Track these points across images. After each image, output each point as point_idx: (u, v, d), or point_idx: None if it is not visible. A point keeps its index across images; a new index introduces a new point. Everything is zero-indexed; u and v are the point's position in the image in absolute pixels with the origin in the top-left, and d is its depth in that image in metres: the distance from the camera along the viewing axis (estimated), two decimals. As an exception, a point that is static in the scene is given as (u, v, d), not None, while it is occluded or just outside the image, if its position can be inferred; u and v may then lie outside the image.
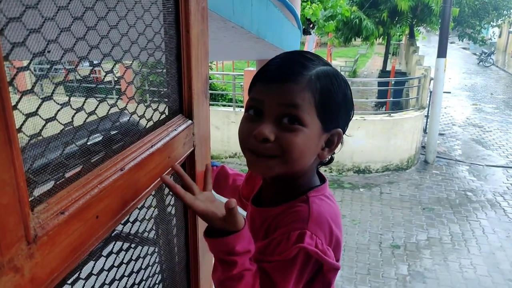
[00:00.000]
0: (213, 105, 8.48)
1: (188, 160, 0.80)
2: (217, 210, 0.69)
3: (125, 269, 0.63)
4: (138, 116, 0.63)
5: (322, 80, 0.76)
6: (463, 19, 17.58)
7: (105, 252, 0.58)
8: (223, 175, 1.18)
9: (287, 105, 0.75)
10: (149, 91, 0.71)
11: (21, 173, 0.35)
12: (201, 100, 0.83)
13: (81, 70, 0.50)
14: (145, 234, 0.70)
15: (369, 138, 7.43)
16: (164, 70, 0.72)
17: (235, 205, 0.67)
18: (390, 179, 7.47)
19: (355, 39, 13.67)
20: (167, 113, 0.74)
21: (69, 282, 0.48)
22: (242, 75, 8.43)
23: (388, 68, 13.58)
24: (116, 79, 0.66)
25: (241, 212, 0.84)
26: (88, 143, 0.51)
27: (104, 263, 0.57)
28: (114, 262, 0.59)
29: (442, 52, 7.74)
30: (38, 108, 0.38)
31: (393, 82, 9.86)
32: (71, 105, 0.44)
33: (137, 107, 0.62)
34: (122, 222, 0.58)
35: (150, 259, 0.73)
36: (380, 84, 11.55)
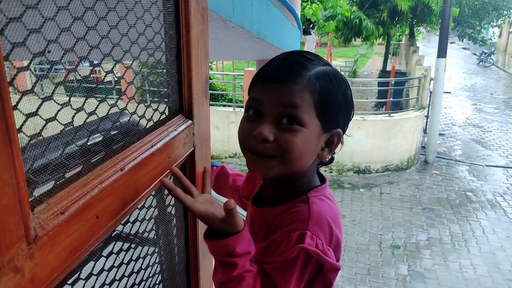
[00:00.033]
0: (213, 105, 8.49)
1: (188, 160, 0.80)
2: (217, 212, 0.69)
3: (125, 269, 0.63)
4: (138, 116, 0.63)
5: (321, 80, 0.76)
6: (463, 19, 17.59)
7: (105, 253, 0.58)
8: (223, 175, 1.18)
9: (286, 106, 0.74)
10: (149, 91, 0.71)
11: (21, 173, 0.34)
12: (201, 100, 0.83)
13: (81, 70, 0.50)
14: (145, 234, 0.70)
15: (369, 138, 7.43)
16: (164, 70, 0.72)
17: (234, 205, 0.67)
18: (390, 179, 7.47)
19: (355, 39, 13.67)
20: (167, 113, 0.74)
21: (69, 282, 0.47)
22: (242, 75, 8.43)
23: (388, 68, 13.58)
24: (116, 79, 0.66)
25: (242, 212, 0.84)
26: (88, 143, 0.51)
27: (104, 263, 0.57)
28: (114, 263, 0.59)
29: (442, 52, 7.74)
30: (38, 108, 0.38)
31: (393, 82, 9.86)
32: (71, 105, 0.44)
33: (137, 107, 0.62)
34: (122, 222, 0.58)
35: (150, 259, 0.73)
36: (380, 84, 11.55)
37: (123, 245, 0.62)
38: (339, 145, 0.84)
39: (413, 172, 7.81)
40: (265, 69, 0.80)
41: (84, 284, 0.52)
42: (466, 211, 6.30)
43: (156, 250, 0.77)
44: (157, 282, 0.77)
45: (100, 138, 0.54)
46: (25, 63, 0.37)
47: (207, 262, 0.94)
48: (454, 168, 8.05)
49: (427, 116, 8.86)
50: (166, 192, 0.78)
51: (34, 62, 0.38)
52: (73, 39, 0.43)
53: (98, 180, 0.49)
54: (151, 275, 0.74)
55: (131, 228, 0.64)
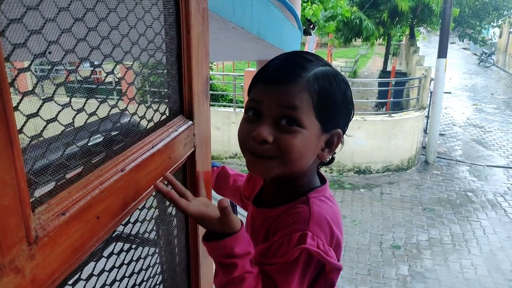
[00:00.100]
0: (213, 105, 8.49)
1: (188, 160, 0.80)
2: (213, 213, 0.69)
3: (126, 270, 0.63)
4: (139, 117, 0.63)
5: (320, 81, 0.76)
6: (464, 19, 17.59)
7: (106, 253, 0.58)
8: (223, 176, 1.18)
9: (285, 107, 0.74)
10: (150, 92, 0.71)
11: (22, 174, 0.35)
12: (202, 100, 0.83)
13: (82, 71, 0.50)
14: (146, 235, 0.70)
15: (370, 138, 7.43)
16: (165, 71, 0.72)
17: (227, 204, 0.67)
18: (390, 179, 7.46)
19: (355, 40, 13.66)
20: (167, 114, 0.74)
21: (70, 283, 0.48)
22: (243, 75, 8.44)
23: (389, 68, 13.58)
24: (117, 80, 0.66)
25: (242, 213, 0.84)
26: (89, 144, 0.51)
27: (105, 264, 0.57)
28: (115, 263, 0.59)
29: (442, 53, 7.74)
30: (39, 109, 0.38)
31: (393, 83, 9.86)
32: (72, 106, 0.44)
33: (137, 108, 0.62)
34: (123, 223, 0.58)
35: (150, 260, 0.73)
36: (380, 84, 11.54)
37: (123, 245, 0.62)
38: (339, 146, 0.84)
39: (414, 172, 7.81)
40: (265, 70, 0.80)
41: (85, 285, 0.52)
42: (467, 211, 6.29)
43: (157, 251, 0.77)
44: (157, 283, 0.78)
45: (101, 139, 0.55)
46: (26, 64, 0.37)
47: (207, 263, 0.94)
48: (454, 168, 8.05)
49: (427, 116, 8.86)
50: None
51: (35, 63, 0.39)
52: (73, 40, 0.43)
53: (99, 181, 0.49)
54: (151, 275, 0.74)
55: (132, 228, 0.64)
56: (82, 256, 0.46)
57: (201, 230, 0.84)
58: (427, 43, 24.29)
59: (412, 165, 7.94)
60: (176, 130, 0.71)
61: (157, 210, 0.75)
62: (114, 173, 0.52)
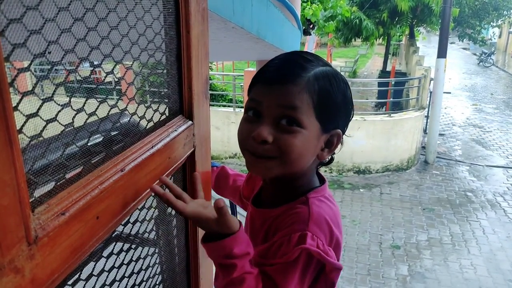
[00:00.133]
0: (213, 105, 8.49)
1: (188, 160, 0.80)
2: (210, 214, 0.69)
3: (126, 270, 0.63)
4: (139, 117, 0.63)
5: (320, 81, 0.76)
6: (463, 19, 17.60)
7: (105, 253, 0.58)
8: (223, 176, 1.18)
9: (285, 107, 0.74)
10: (150, 92, 0.71)
11: (21, 174, 0.35)
12: (201, 100, 0.83)
13: (82, 71, 0.50)
14: (146, 235, 0.70)
15: (369, 138, 7.43)
16: (165, 71, 0.72)
17: (223, 204, 0.67)
18: (390, 179, 7.47)
19: (355, 40, 13.67)
20: (167, 114, 0.74)
21: (69, 283, 0.48)
22: (242, 75, 8.44)
23: (388, 68, 13.58)
24: (116, 80, 0.66)
25: (242, 213, 0.84)
26: (89, 144, 0.51)
27: (105, 264, 0.57)
28: (114, 263, 0.59)
29: (442, 53, 7.74)
30: (39, 109, 0.38)
31: (393, 83, 9.86)
32: (71, 106, 0.44)
33: (137, 108, 0.62)
34: (123, 223, 0.58)
35: (150, 260, 0.73)
36: (380, 84, 11.55)
37: (123, 245, 0.62)
38: (339, 146, 0.84)
39: (413, 172, 7.81)
40: (265, 70, 0.80)
41: (84, 285, 0.52)
42: (466, 211, 6.29)
43: (157, 251, 0.77)
44: (157, 283, 0.77)
45: (101, 139, 0.55)
46: (26, 64, 0.37)
47: (207, 263, 0.94)
48: (454, 168, 8.05)
49: (427, 116, 8.86)
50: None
51: (34, 63, 0.39)
52: (73, 40, 0.43)
53: (99, 181, 0.49)
54: (151, 275, 0.74)
55: (132, 228, 0.64)
56: (82, 256, 0.46)
57: (201, 230, 0.84)
58: (426, 43, 24.30)
59: (412, 165, 7.95)
60: (175, 130, 0.71)
61: (156, 210, 0.75)
62: (113, 173, 0.52)
